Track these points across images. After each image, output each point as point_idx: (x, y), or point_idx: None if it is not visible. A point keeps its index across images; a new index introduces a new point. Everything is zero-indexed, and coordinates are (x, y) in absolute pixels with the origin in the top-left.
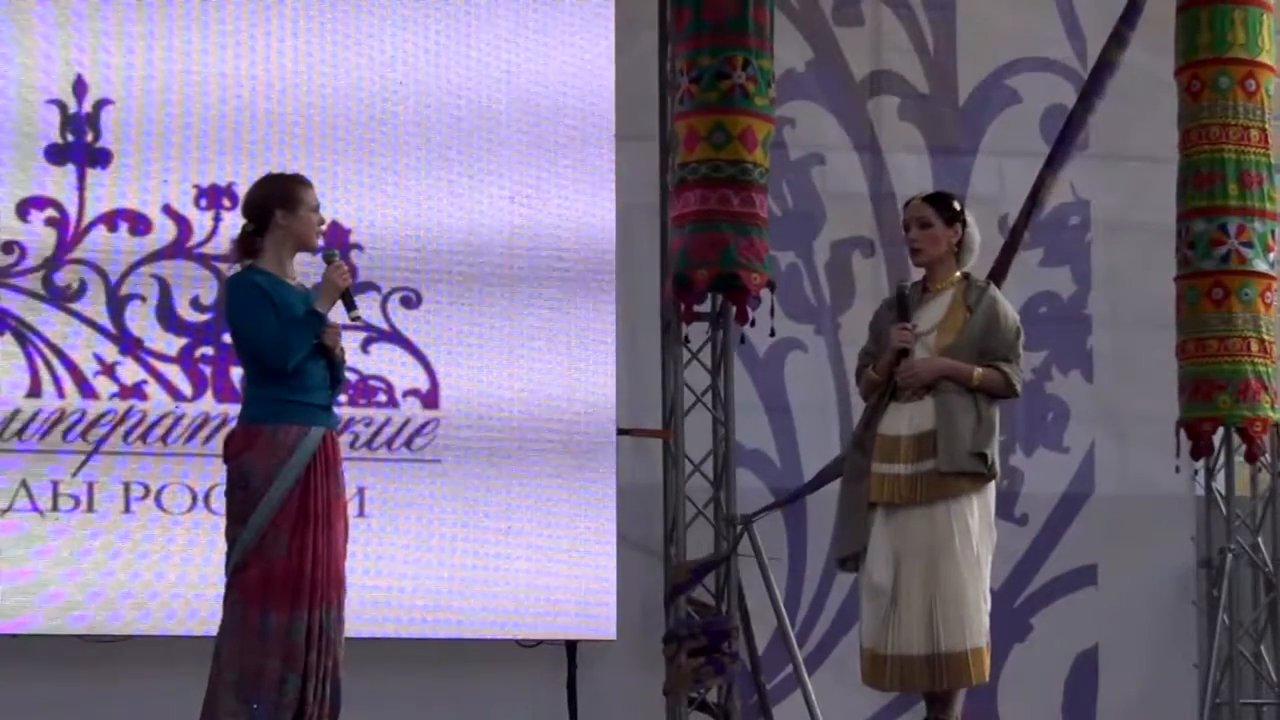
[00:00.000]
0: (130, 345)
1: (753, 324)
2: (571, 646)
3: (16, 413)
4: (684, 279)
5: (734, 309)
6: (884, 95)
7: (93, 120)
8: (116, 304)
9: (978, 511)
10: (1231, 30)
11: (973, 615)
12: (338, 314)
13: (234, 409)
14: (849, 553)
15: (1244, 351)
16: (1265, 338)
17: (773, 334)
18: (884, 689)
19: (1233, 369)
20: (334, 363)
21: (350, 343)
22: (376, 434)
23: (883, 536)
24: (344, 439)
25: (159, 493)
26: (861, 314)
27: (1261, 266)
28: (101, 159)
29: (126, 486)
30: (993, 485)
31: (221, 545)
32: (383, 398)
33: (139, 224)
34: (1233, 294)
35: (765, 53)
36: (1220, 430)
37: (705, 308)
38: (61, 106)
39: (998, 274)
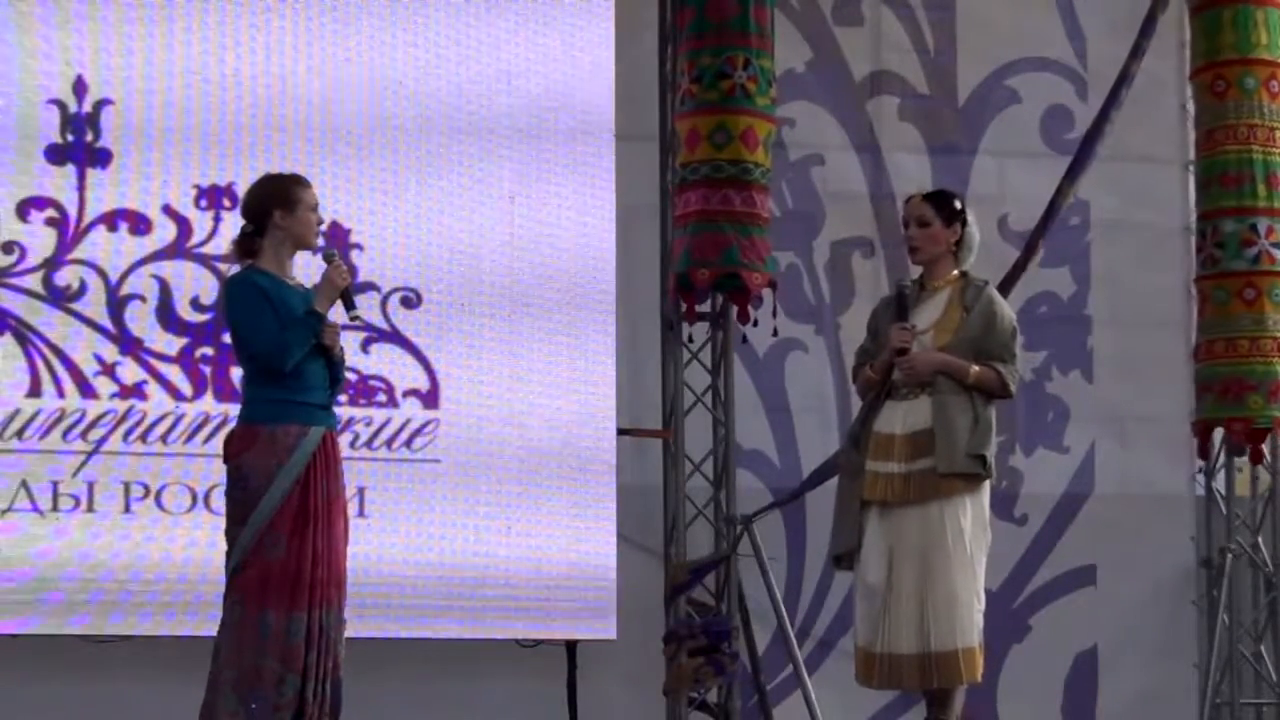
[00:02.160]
0: (130, 345)
1: (755, 324)
2: (571, 646)
3: (16, 413)
4: (686, 279)
5: (735, 309)
6: (884, 95)
7: (93, 120)
8: (116, 304)
9: (971, 511)
10: (1255, 31)
11: (964, 615)
12: (337, 314)
13: (234, 409)
14: (842, 551)
15: (1276, 353)
16: None
17: (775, 334)
18: (874, 687)
19: (1265, 370)
20: (333, 362)
21: (350, 343)
22: (376, 434)
23: (878, 535)
24: (344, 439)
25: (159, 493)
26: (861, 314)
27: None
28: (101, 159)
29: (126, 486)
30: (987, 485)
31: (221, 545)
32: (383, 398)
33: (139, 224)
34: (1264, 295)
35: (766, 53)
36: (1252, 430)
37: (705, 308)
38: (61, 106)
39: (1007, 284)
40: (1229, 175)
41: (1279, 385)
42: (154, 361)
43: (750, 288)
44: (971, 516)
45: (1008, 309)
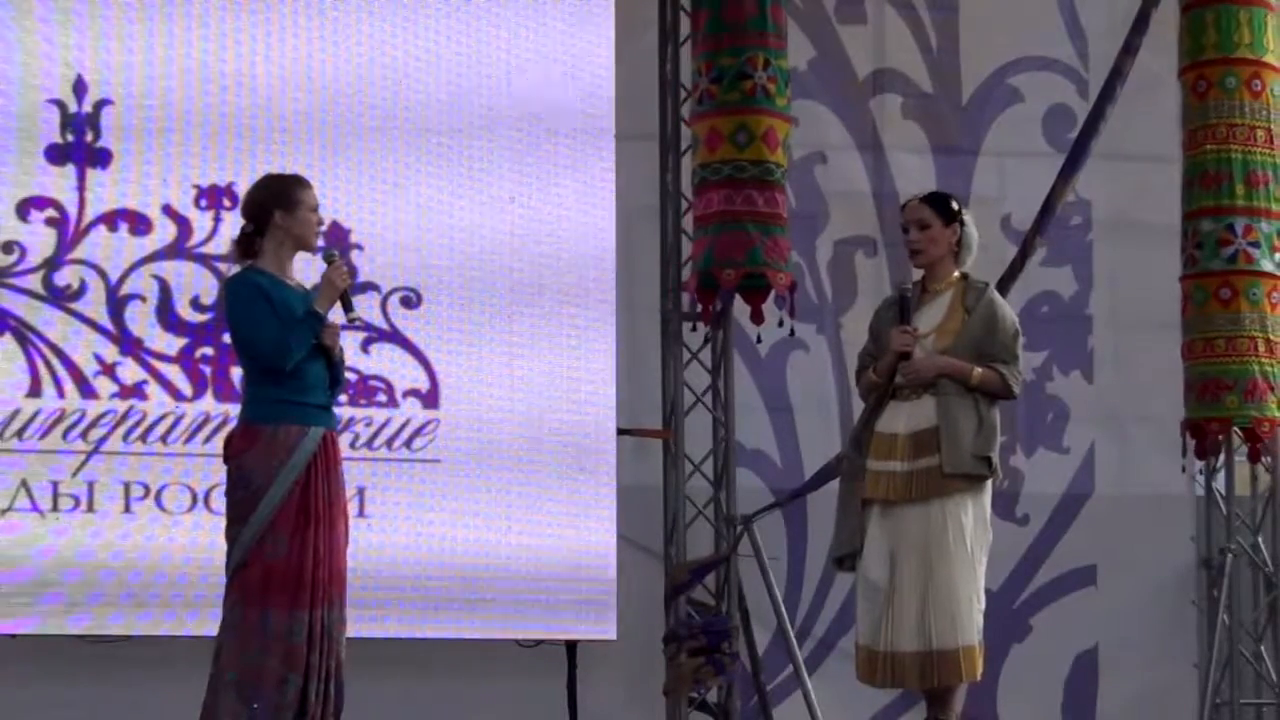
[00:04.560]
0: (130, 345)
1: (780, 324)
2: (571, 646)
3: (16, 413)
4: (710, 279)
5: (749, 309)
6: (886, 94)
7: (93, 120)
8: (116, 304)
9: (972, 510)
10: (1237, 30)
11: (965, 613)
12: (336, 315)
13: (234, 409)
14: (843, 552)
15: (1251, 352)
16: (1271, 338)
17: (792, 333)
18: (876, 685)
19: (1240, 369)
20: (333, 363)
21: (350, 343)
22: (376, 434)
23: (879, 534)
24: (344, 439)
25: (159, 493)
26: (864, 313)
27: (1268, 267)
28: (101, 159)
29: (126, 486)
30: (989, 484)
31: (222, 545)
32: (383, 398)
33: (139, 224)
34: (1240, 294)
35: (783, 53)
36: (1248, 430)
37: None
38: (61, 106)
39: (1006, 281)
40: (1208, 175)
41: (1255, 384)
42: (154, 361)
43: (776, 288)
44: (973, 515)
45: (1010, 311)
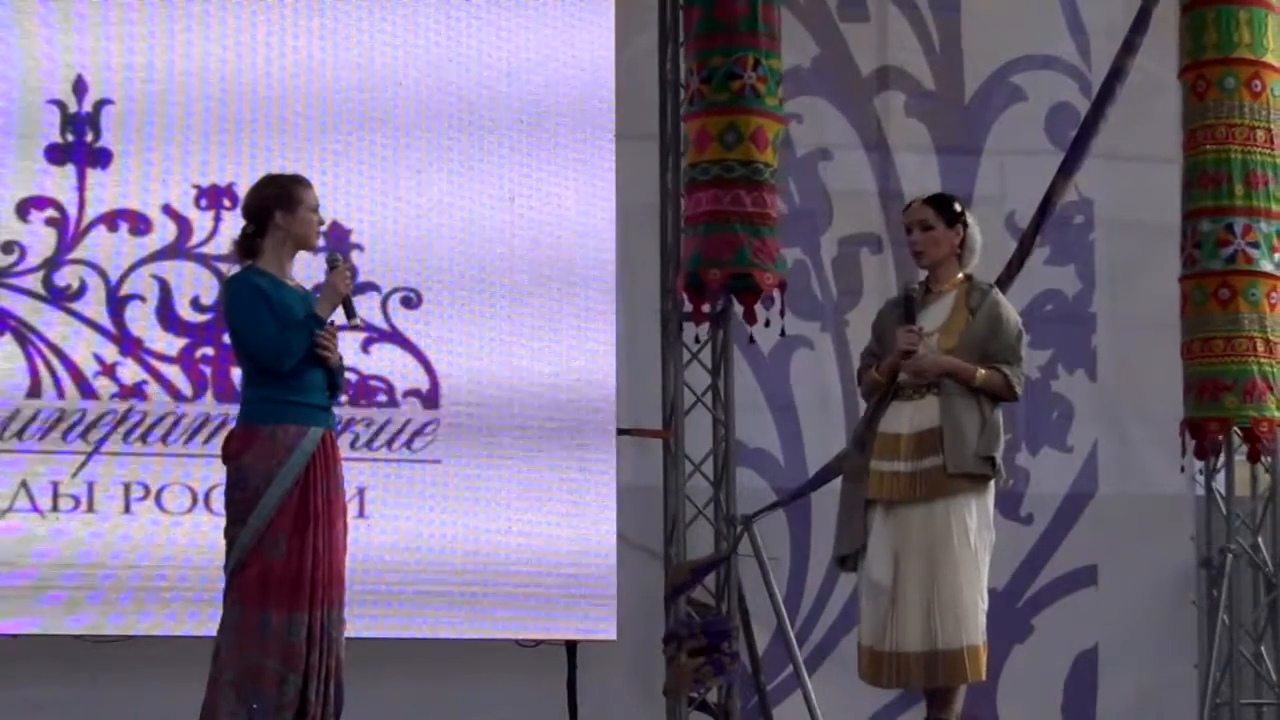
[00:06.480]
0: (130, 345)
1: (767, 324)
2: (571, 646)
3: (16, 413)
4: (697, 279)
5: (741, 309)
6: (890, 92)
7: (93, 120)
8: (116, 304)
9: (976, 510)
10: (1237, 31)
11: (970, 613)
12: (337, 320)
13: (234, 409)
14: (846, 552)
15: (1250, 352)
16: (1271, 338)
17: (783, 334)
18: (882, 685)
19: (1239, 369)
20: (331, 370)
21: (350, 343)
22: (376, 434)
23: (883, 534)
24: (344, 439)
25: (159, 493)
26: (868, 312)
27: (1267, 267)
28: (101, 159)
29: (126, 486)
30: (993, 485)
31: (222, 545)
32: (383, 398)
33: (139, 224)
34: (1239, 294)
35: (775, 53)
36: (1248, 430)
37: (705, 307)
38: (61, 106)
39: (1005, 279)
40: (1207, 175)
41: (1254, 384)
42: (154, 361)
43: (763, 288)
44: (977, 516)
45: (1013, 312)
